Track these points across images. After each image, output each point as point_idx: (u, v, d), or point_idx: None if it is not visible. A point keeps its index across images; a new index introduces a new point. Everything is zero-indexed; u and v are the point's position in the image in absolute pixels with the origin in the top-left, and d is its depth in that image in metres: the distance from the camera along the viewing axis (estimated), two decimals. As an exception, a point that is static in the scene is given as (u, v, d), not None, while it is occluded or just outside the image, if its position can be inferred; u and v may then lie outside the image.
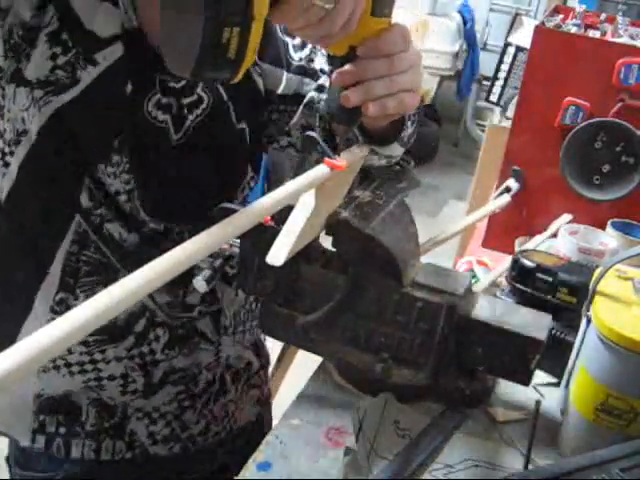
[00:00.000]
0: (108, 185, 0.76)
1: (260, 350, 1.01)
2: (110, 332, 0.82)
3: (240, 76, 0.53)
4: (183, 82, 0.77)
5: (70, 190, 0.76)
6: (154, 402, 0.87)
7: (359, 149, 0.72)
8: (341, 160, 0.63)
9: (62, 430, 0.86)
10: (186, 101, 0.78)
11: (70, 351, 0.82)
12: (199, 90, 0.79)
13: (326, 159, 0.62)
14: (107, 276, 0.79)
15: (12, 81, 0.71)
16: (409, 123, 0.76)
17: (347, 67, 0.63)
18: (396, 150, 0.77)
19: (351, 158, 0.68)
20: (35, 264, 0.80)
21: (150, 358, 0.85)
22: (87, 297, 0.36)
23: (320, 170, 0.60)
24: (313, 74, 0.86)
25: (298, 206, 0.64)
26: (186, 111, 0.78)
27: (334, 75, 0.64)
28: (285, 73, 0.85)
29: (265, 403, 1.05)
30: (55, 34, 0.69)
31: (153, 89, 0.75)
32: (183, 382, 0.89)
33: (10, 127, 0.74)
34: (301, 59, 0.86)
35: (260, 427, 1.02)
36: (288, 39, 0.86)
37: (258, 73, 0.84)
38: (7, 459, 0.93)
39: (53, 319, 0.33)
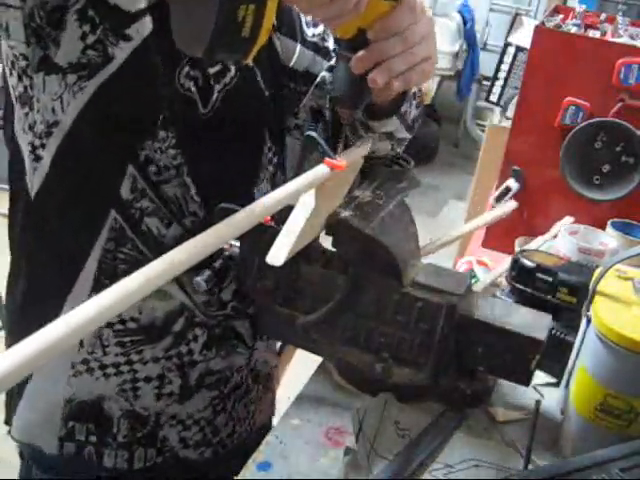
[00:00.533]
0: (157, 161, 0.73)
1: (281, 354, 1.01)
2: (148, 332, 0.80)
3: (252, 57, 0.52)
4: None
5: (111, 181, 0.73)
6: (188, 408, 0.86)
7: (359, 149, 0.72)
8: (341, 160, 0.63)
9: (92, 439, 0.83)
10: (212, 71, 0.76)
11: (105, 352, 0.80)
12: None
13: (326, 159, 0.62)
14: None
15: (40, 69, 0.67)
16: (414, 103, 0.75)
17: (363, 52, 0.63)
18: (394, 124, 0.77)
19: (351, 158, 0.68)
20: (67, 265, 0.78)
21: (188, 359, 0.83)
22: None
23: (320, 170, 0.61)
24: (326, 53, 0.86)
25: (298, 206, 0.64)
26: (212, 81, 0.76)
27: (353, 62, 0.64)
28: (299, 45, 0.84)
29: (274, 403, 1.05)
30: (83, 11, 0.65)
31: (182, 61, 0.73)
32: (217, 386, 0.87)
33: (40, 118, 0.71)
34: (314, 35, 0.85)
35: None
36: (302, 15, 0.85)
37: (277, 37, 0.83)
38: (21, 454, 0.90)
39: None
